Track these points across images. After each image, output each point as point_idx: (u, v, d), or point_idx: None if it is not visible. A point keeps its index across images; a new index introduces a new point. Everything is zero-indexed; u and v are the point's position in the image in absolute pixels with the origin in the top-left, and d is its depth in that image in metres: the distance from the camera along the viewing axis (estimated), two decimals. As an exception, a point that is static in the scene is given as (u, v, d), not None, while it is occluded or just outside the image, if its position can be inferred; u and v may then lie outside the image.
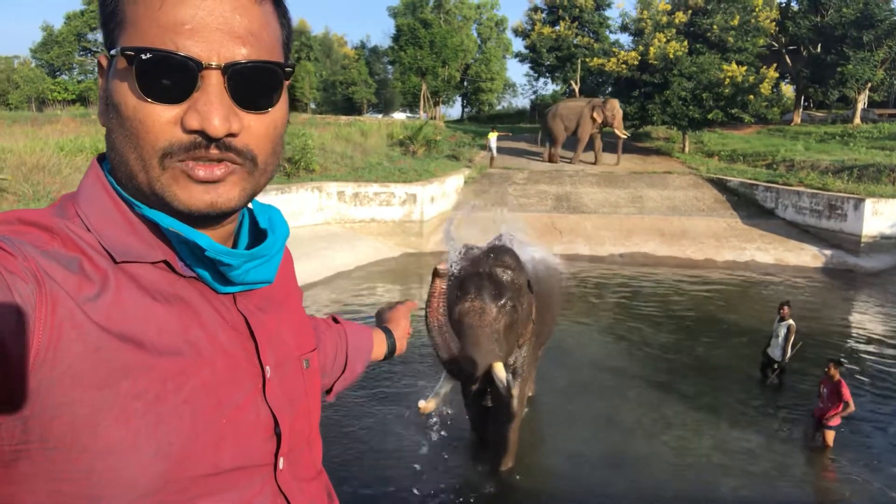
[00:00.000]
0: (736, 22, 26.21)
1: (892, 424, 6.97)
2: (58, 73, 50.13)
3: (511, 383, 4.87)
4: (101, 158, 0.80)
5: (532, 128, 37.54)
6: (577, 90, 38.80)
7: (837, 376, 6.29)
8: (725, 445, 6.39)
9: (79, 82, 47.94)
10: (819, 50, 32.18)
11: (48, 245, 0.68)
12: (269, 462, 0.81)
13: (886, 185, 16.72)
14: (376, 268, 14.31)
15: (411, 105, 46.63)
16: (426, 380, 6.91)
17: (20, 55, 51.97)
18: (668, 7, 28.00)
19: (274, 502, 0.81)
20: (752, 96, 23.96)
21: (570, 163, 24.34)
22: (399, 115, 43.22)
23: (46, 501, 0.65)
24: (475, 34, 52.00)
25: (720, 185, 20.59)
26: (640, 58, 25.93)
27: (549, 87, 51.57)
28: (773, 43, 32.95)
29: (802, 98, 36.57)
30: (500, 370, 4.78)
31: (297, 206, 15.02)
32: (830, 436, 6.33)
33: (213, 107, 0.69)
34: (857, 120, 31.52)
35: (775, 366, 7.82)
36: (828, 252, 15.62)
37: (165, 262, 0.75)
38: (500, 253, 5.18)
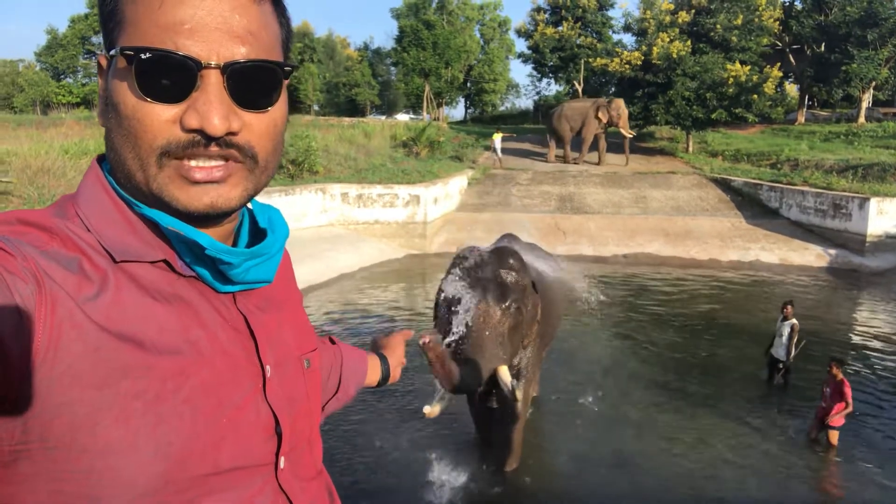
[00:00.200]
0: (739, 21, 26.15)
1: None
2: (62, 76, 50.41)
3: (516, 387, 4.86)
4: (101, 159, 0.80)
5: (535, 129, 37.54)
6: (580, 91, 38.80)
7: (840, 375, 6.26)
8: (730, 445, 6.37)
9: (83, 85, 48.17)
10: (823, 49, 32.08)
11: (48, 245, 0.68)
12: (269, 461, 0.80)
13: (891, 184, 16.63)
14: (380, 269, 14.32)
15: (414, 106, 46.66)
16: (428, 379, 6.90)
17: (25, 59, 52.28)
18: (672, 7, 27.97)
19: (275, 502, 0.80)
20: (755, 96, 23.90)
21: (575, 163, 24.34)
22: (402, 117, 43.31)
23: (47, 501, 0.65)
24: (478, 35, 52.01)
25: (724, 184, 20.55)
26: (643, 58, 25.91)
27: (552, 88, 51.65)
28: (777, 42, 32.87)
29: (806, 97, 36.49)
30: (505, 374, 4.77)
31: (301, 207, 15.04)
32: (834, 436, 6.30)
33: (212, 106, 0.69)
34: (862, 119, 31.39)
35: (780, 365, 7.79)
36: (832, 251, 15.56)
37: (165, 261, 0.75)
38: (503, 254, 5.17)
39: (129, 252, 0.72)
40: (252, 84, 0.72)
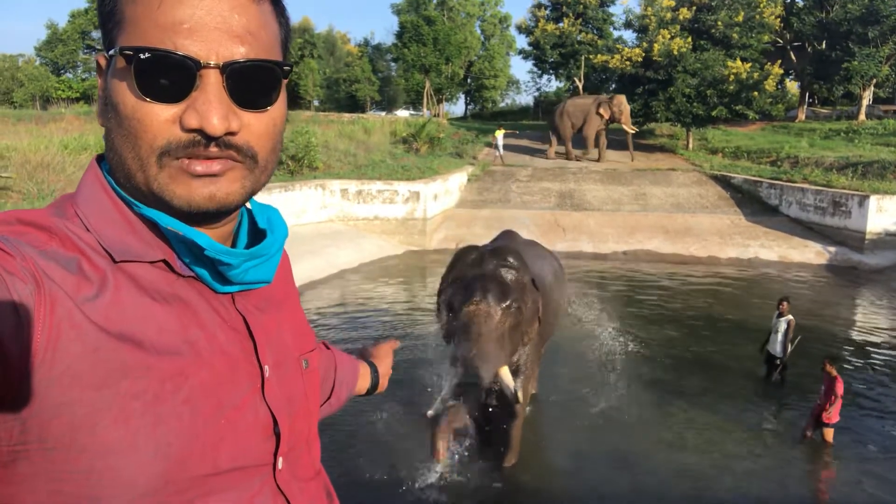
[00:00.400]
0: (740, 18, 26.10)
1: (893, 420, 6.96)
2: (62, 71, 50.34)
3: (517, 387, 4.87)
4: (100, 158, 0.80)
5: (535, 125, 37.50)
6: (580, 87, 38.76)
7: (834, 372, 6.29)
8: (727, 443, 6.38)
9: (83, 80, 48.10)
10: (824, 46, 32.03)
11: (47, 245, 0.68)
12: (268, 462, 0.80)
13: (891, 182, 16.62)
14: (380, 265, 14.33)
15: (414, 102, 46.64)
16: (430, 381, 6.91)
17: (25, 53, 52.28)
18: (673, 3, 27.89)
19: (274, 502, 0.81)
20: (756, 93, 23.89)
21: (578, 160, 24.32)
22: (402, 113, 43.20)
23: (46, 501, 0.65)
24: (478, 31, 51.95)
25: (724, 182, 20.55)
26: (643, 54, 25.88)
27: (552, 84, 51.67)
28: (778, 39, 32.84)
29: (807, 94, 36.45)
30: (506, 375, 4.77)
31: (301, 203, 15.04)
32: (829, 433, 6.32)
33: (211, 106, 0.69)
34: (862, 116, 31.36)
35: (777, 362, 7.81)
36: (832, 249, 15.57)
37: (164, 261, 0.75)
38: (503, 252, 5.16)
39: (128, 252, 0.72)
40: (251, 84, 0.72)
